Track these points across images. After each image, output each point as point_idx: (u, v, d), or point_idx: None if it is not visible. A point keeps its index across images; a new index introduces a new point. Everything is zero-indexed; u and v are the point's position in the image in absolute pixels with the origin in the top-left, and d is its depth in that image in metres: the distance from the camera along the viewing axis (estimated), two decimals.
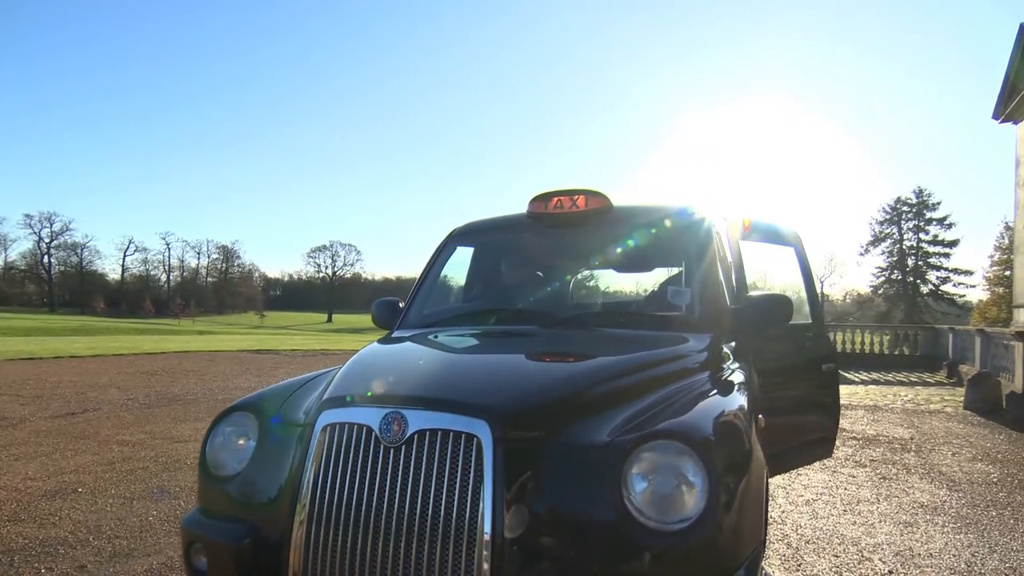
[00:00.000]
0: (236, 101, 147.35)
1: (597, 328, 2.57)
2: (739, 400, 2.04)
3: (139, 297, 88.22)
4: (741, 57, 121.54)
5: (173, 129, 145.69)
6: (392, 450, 1.63)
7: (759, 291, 3.17)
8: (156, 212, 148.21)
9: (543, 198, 2.97)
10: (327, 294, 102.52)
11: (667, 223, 3.01)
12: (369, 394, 1.76)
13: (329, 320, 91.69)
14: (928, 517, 4.01)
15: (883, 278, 46.48)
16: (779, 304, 2.62)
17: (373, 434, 1.66)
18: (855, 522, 3.90)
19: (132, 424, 6.60)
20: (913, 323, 28.31)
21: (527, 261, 3.19)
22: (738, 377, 2.35)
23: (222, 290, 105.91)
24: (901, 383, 12.18)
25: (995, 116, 18.06)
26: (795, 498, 4.38)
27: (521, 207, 3.03)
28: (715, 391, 2.02)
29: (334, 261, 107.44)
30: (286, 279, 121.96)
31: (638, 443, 1.55)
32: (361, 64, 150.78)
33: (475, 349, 2.37)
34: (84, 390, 9.16)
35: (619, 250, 3.45)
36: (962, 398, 8.78)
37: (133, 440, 5.78)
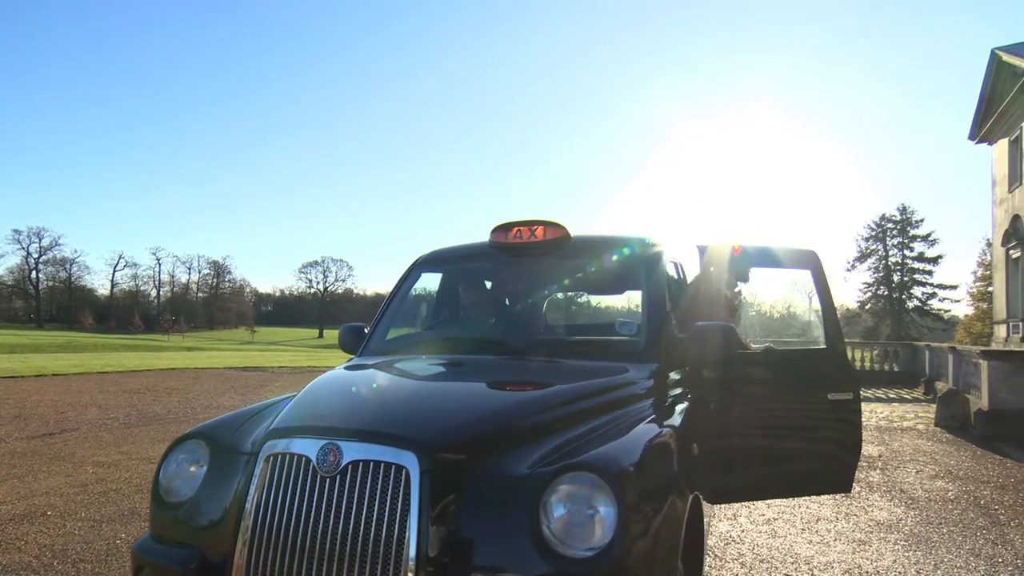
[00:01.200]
0: (227, 115, 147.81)
1: (546, 358, 2.67)
2: (669, 430, 2.15)
3: (128, 313, 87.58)
4: (730, 73, 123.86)
5: (164, 143, 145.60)
6: (328, 479, 1.73)
7: (708, 321, 3.29)
8: (147, 227, 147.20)
9: (504, 228, 3.10)
10: (318, 309, 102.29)
11: (621, 254, 3.14)
12: (310, 426, 1.87)
13: (320, 336, 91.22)
14: (882, 535, 4.13)
15: (870, 293, 47.16)
16: (724, 333, 2.74)
17: (311, 464, 1.77)
18: (811, 541, 4.02)
19: (110, 444, 6.62)
20: (893, 340, 28.67)
21: (487, 290, 3.32)
22: (676, 406, 2.46)
23: (213, 305, 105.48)
24: (879, 399, 12.35)
25: (971, 137, 18.62)
26: (756, 517, 4.49)
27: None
28: (646, 421, 2.11)
29: (325, 277, 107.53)
30: (277, 294, 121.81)
31: (556, 474, 1.66)
32: (352, 77, 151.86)
33: (418, 380, 2.47)
34: (64, 409, 9.15)
35: (575, 280, 3.58)
36: (935, 415, 8.95)
37: (109, 461, 5.81)
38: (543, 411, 2.02)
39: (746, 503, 4.72)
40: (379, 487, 1.68)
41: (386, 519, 1.65)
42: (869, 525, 4.33)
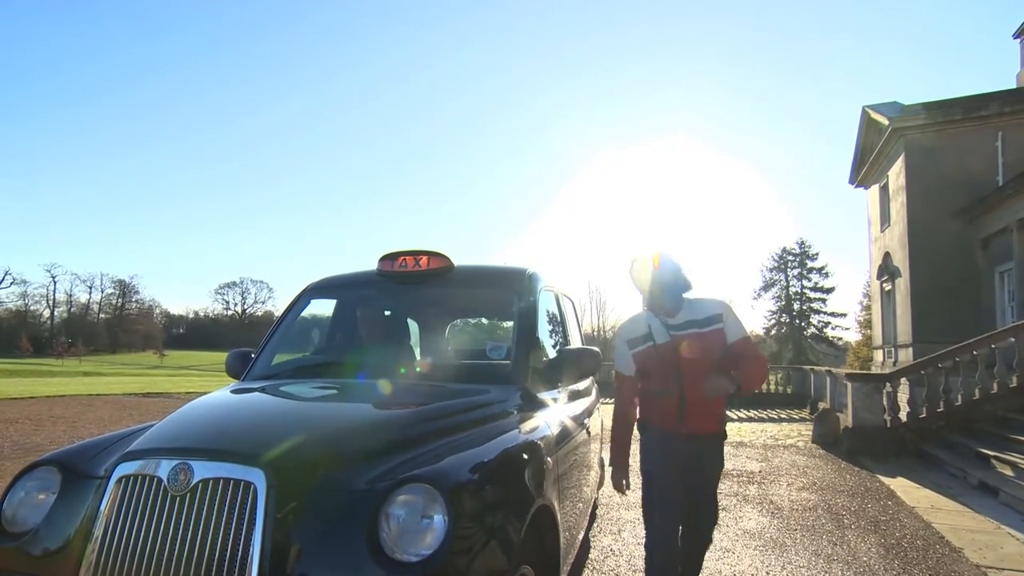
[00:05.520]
0: (140, 128, 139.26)
1: (419, 381, 2.83)
2: (519, 445, 2.35)
3: (14, 334, 79.17)
4: (645, 107, 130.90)
5: (59, 146, 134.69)
6: (178, 498, 1.80)
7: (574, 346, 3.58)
8: (39, 242, 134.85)
9: (391, 257, 3.27)
10: (236, 332, 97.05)
11: (497, 284, 3.39)
12: (162, 447, 1.93)
13: None
14: (746, 542, 4.54)
15: (774, 321, 51.18)
16: (588, 356, 3.02)
17: (162, 484, 1.83)
18: None
19: None
20: (793, 364, 31.00)
21: (372, 316, 3.45)
22: (535, 424, 2.68)
23: (117, 327, 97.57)
24: (772, 420, 13.36)
25: (851, 181, 20.82)
26: (639, 532, 4.79)
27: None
28: (496, 438, 2.30)
29: (244, 298, 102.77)
30: (191, 316, 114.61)
31: (396, 486, 1.82)
32: (265, 84, 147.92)
33: (281, 402, 2.55)
34: None
35: (456, 307, 3.78)
36: (812, 432, 9.82)
37: None
38: (395, 429, 2.17)
39: (631, 520, 5.04)
40: (227, 504, 1.77)
41: (232, 534, 1.73)
42: (737, 534, 4.75)
